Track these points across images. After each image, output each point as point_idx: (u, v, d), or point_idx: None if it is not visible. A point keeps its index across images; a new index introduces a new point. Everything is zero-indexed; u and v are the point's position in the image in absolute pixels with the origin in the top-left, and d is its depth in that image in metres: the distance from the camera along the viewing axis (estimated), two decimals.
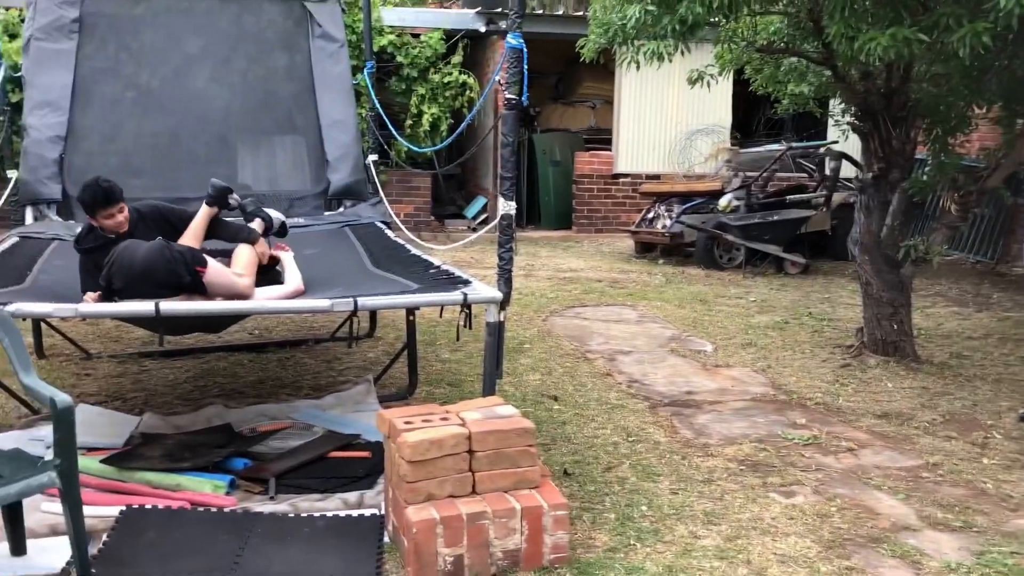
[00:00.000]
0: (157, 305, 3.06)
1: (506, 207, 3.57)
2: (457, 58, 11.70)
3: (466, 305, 3.42)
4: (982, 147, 8.07)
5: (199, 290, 3.78)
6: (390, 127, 6.38)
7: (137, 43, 6.35)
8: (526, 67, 3.41)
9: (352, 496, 3.51)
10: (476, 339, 6.07)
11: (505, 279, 3.57)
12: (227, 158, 6.30)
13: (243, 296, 3.91)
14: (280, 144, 6.61)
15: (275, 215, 4.64)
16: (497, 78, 3.82)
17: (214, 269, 3.91)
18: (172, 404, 4.81)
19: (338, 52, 6.71)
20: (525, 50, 3.38)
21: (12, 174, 5.88)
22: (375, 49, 11.08)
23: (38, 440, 4.10)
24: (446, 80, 11.63)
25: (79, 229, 4.22)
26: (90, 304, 3.15)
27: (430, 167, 12.17)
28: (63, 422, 2.64)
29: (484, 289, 3.58)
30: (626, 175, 12.43)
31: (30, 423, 4.35)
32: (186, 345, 6.02)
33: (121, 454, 3.84)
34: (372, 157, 6.53)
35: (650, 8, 4.49)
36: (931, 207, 9.65)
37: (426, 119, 11.48)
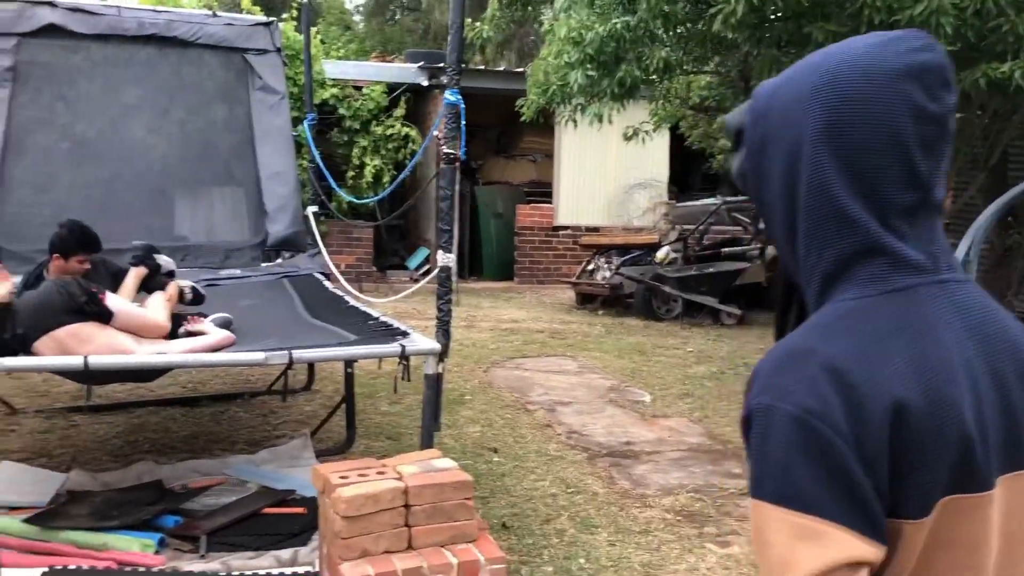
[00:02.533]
0: (86, 359, 2.99)
1: (444, 259, 3.59)
2: (399, 111, 11.80)
3: (404, 357, 3.41)
4: None
5: (104, 317, 3.72)
6: (329, 179, 6.38)
7: (74, 92, 6.28)
8: (464, 122, 3.47)
9: (286, 553, 3.44)
10: (416, 391, 6.05)
11: (444, 330, 3.57)
12: (163, 209, 6.23)
13: (160, 330, 3.86)
14: (218, 195, 6.56)
15: (164, 260, 4.60)
16: (435, 133, 3.86)
17: (116, 298, 3.89)
18: (101, 460, 4.67)
19: (279, 104, 6.72)
20: (463, 106, 3.45)
21: None
22: (317, 101, 11.14)
23: None
24: (388, 132, 11.71)
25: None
26: (15, 359, 3.07)
27: (372, 219, 12.18)
28: None
29: (422, 341, 3.58)
30: (566, 227, 12.60)
31: None
32: (116, 399, 5.87)
33: (45, 513, 3.71)
34: (312, 208, 6.51)
35: (590, 73, 4.62)
36: None
37: (368, 171, 11.52)
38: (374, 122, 11.72)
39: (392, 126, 11.74)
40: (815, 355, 0.91)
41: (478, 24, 6.32)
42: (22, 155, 5.96)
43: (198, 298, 4.48)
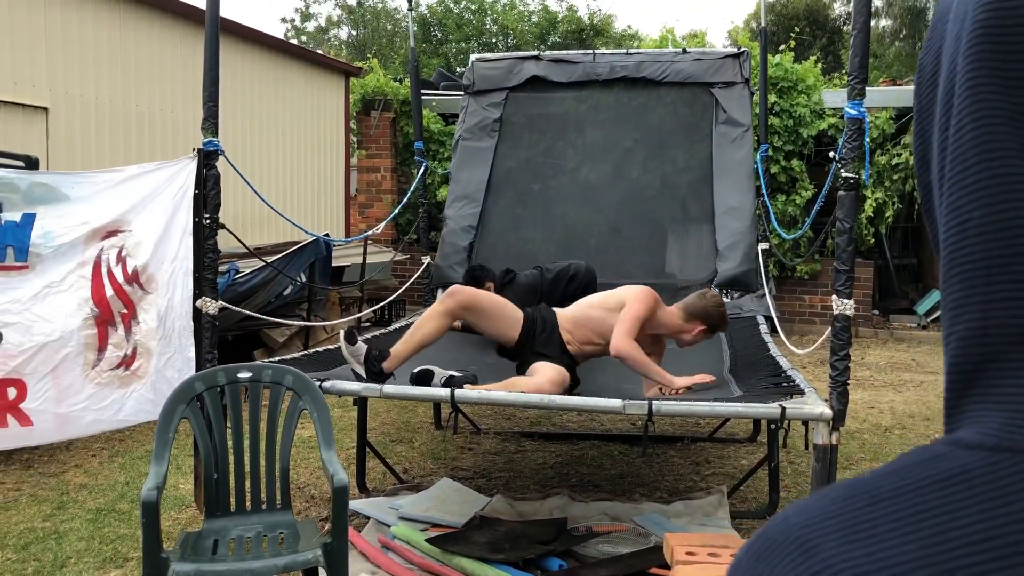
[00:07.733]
0: (452, 392, 3.07)
1: (840, 306, 2.96)
2: (908, 139, 10.59)
3: (783, 420, 2.88)
4: None
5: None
6: (771, 216, 5.88)
7: (547, 138, 6.74)
8: (868, 140, 2.84)
9: None
10: (874, 456, 5.27)
11: (838, 392, 2.95)
12: (619, 247, 6.33)
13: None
14: (677, 231, 6.47)
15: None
16: (833, 155, 3.23)
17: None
18: (527, 488, 4.83)
19: (742, 137, 6.43)
20: (867, 120, 2.82)
21: (426, 259, 6.53)
22: (814, 133, 10.54)
23: (394, 508, 4.37)
24: (894, 162, 10.58)
25: None
26: (393, 387, 3.28)
27: (879, 255, 11.12)
28: (338, 502, 2.72)
29: (813, 403, 2.99)
30: None
31: (394, 491, 4.66)
32: (570, 429, 6.09)
33: (449, 536, 3.90)
34: (763, 245, 6.07)
35: None
36: None
37: (868, 204, 10.52)
38: (878, 151, 10.69)
39: (899, 155, 10.58)
40: (808, 563, 0.40)
41: None
42: (500, 197, 6.55)
43: None
